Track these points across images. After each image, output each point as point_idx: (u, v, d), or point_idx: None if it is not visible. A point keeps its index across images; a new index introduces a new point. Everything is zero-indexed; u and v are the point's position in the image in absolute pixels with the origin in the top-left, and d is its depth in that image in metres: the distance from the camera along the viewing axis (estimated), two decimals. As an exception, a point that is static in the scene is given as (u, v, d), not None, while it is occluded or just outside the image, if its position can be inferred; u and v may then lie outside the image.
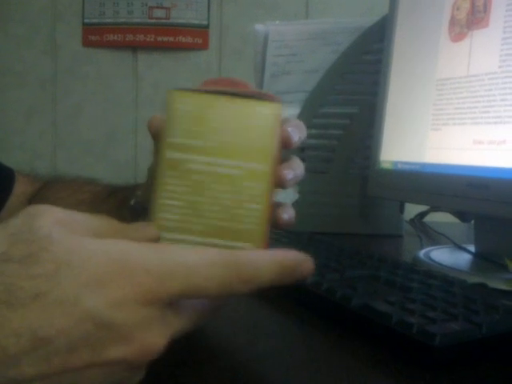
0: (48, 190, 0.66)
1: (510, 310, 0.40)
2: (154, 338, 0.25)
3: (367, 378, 0.34)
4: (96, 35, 1.67)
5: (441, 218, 1.03)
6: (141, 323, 0.25)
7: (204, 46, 1.67)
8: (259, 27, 0.98)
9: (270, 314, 0.46)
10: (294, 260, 0.29)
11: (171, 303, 0.26)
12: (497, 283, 0.53)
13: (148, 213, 0.31)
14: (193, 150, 0.30)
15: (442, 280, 0.48)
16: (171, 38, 1.66)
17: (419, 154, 0.69)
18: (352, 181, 0.88)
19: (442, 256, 0.67)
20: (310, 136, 0.47)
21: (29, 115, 1.70)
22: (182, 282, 0.26)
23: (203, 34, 1.66)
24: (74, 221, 0.27)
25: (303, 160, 0.40)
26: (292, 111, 0.86)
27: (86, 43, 1.68)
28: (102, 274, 0.24)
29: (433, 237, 0.88)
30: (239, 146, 0.31)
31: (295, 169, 0.36)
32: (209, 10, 1.65)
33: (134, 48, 1.68)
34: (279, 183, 0.34)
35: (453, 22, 0.66)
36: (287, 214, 0.37)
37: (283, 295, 0.47)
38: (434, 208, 0.98)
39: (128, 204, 0.51)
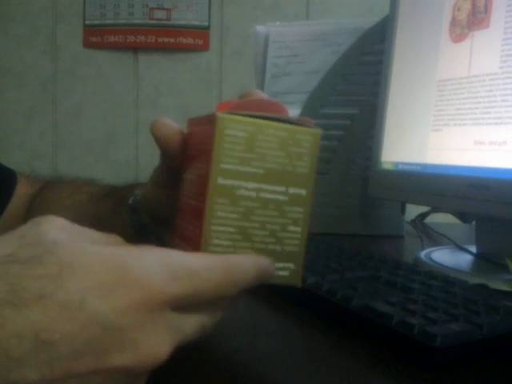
0: (48, 191, 0.66)
1: (510, 310, 0.40)
2: (159, 344, 0.25)
3: (367, 378, 0.34)
4: (97, 36, 1.67)
5: (442, 219, 1.03)
6: (146, 329, 0.24)
7: (205, 48, 1.67)
8: (260, 28, 0.98)
9: (269, 315, 0.46)
10: (265, 263, 0.30)
11: (176, 308, 0.26)
12: (498, 284, 0.52)
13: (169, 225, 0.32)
14: (242, 176, 0.31)
15: (442, 281, 0.48)
16: (172, 39, 1.66)
17: (420, 155, 0.69)
18: (353, 181, 0.88)
19: (443, 257, 0.67)
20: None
21: (29, 115, 1.70)
22: (185, 285, 0.26)
23: (204, 35, 1.66)
24: (80, 230, 0.27)
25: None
26: (293, 112, 0.86)
27: (87, 44, 1.68)
28: (106, 278, 0.24)
29: (434, 237, 0.88)
30: (284, 171, 0.32)
31: None
32: (209, 11, 1.66)
33: (135, 49, 1.68)
34: None
35: (453, 22, 0.66)
36: None
37: (283, 296, 0.47)
38: (435, 209, 0.98)
39: (126, 203, 0.51)
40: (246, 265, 0.29)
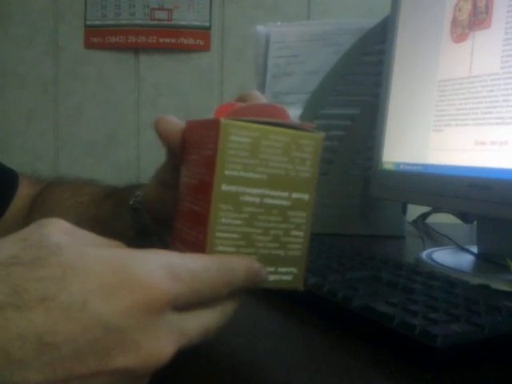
0: (49, 192, 0.66)
1: (512, 311, 0.40)
2: (162, 345, 0.25)
3: (368, 378, 0.34)
4: (98, 37, 1.67)
5: (443, 219, 1.03)
6: (148, 331, 0.24)
7: (206, 48, 1.67)
8: (261, 29, 0.98)
9: (269, 315, 0.46)
10: (256, 265, 0.30)
11: (178, 309, 0.26)
12: (499, 284, 0.52)
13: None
14: (246, 182, 0.31)
15: (444, 281, 0.48)
16: (173, 40, 1.66)
17: (421, 155, 0.69)
18: (354, 182, 0.88)
19: (445, 257, 0.67)
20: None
21: (30, 116, 1.70)
22: (187, 286, 0.26)
23: (205, 35, 1.66)
24: (82, 233, 0.28)
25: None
26: (293, 112, 0.86)
27: (88, 45, 1.68)
28: (108, 280, 0.24)
29: (435, 238, 0.88)
30: (287, 176, 0.32)
31: None
32: (210, 12, 1.65)
33: (136, 50, 1.68)
34: None
35: (455, 22, 0.66)
36: None
37: (283, 296, 0.47)
38: (437, 209, 0.98)
39: (127, 204, 0.51)
40: (236, 265, 0.29)
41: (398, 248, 0.84)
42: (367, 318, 0.39)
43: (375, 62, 0.85)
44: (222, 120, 0.30)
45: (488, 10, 0.61)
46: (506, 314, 0.39)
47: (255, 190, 0.31)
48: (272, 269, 0.32)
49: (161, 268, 0.25)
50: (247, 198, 0.31)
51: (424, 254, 0.68)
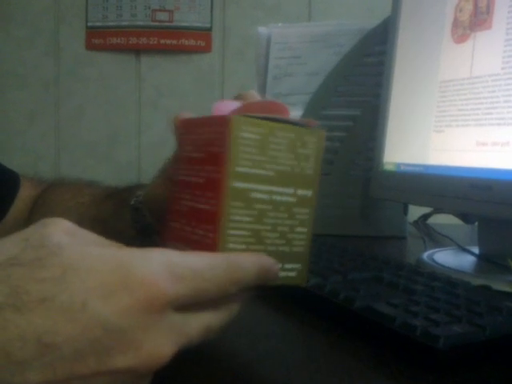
0: (50, 193, 0.66)
1: (513, 311, 0.40)
2: (162, 345, 0.25)
3: (369, 379, 0.34)
4: (99, 38, 1.68)
5: (444, 220, 1.02)
6: (148, 330, 0.24)
7: (207, 49, 1.67)
8: (262, 30, 0.98)
9: (270, 315, 0.46)
10: (268, 262, 0.30)
11: (179, 309, 0.26)
12: (501, 285, 0.52)
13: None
14: (255, 178, 0.31)
15: (445, 282, 0.48)
16: (174, 41, 1.66)
17: (422, 156, 0.69)
18: (354, 182, 0.88)
19: (446, 258, 0.67)
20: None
21: (31, 117, 1.70)
22: (189, 285, 0.26)
23: (206, 36, 1.66)
24: (84, 234, 0.27)
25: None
26: (295, 113, 0.86)
27: (90, 46, 1.68)
28: (108, 279, 0.24)
29: (436, 239, 0.88)
30: (293, 173, 0.32)
31: None
32: (211, 13, 1.66)
33: (137, 51, 1.69)
34: None
35: (456, 23, 0.66)
36: None
37: (284, 297, 0.47)
38: (438, 210, 0.98)
39: (128, 204, 0.51)
40: (247, 263, 0.29)
41: (399, 249, 0.84)
42: (369, 318, 0.39)
43: (376, 62, 0.85)
44: (233, 116, 0.30)
45: (489, 10, 0.61)
46: (507, 314, 0.39)
47: (264, 187, 0.31)
48: (279, 265, 0.32)
49: (161, 267, 0.25)
50: (256, 195, 0.31)
51: (425, 255, 0.68)
